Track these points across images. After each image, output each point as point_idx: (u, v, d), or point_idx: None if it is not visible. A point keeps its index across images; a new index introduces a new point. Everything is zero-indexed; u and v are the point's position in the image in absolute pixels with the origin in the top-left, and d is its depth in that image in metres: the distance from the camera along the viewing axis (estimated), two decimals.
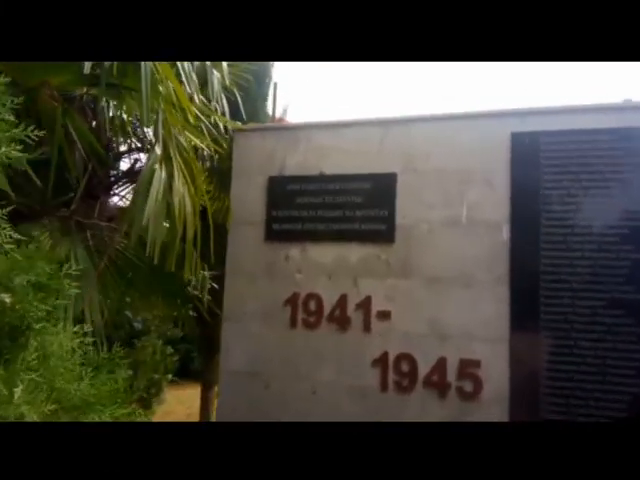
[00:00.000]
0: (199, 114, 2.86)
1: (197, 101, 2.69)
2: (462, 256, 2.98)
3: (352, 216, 3.22)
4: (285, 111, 5.66)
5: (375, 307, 3.08)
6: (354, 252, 3.19)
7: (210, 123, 3.34)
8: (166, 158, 2.07)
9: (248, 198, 3.49)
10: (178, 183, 2.12)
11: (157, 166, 1.99)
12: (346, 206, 3.25)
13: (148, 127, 2.60)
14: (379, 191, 3.19)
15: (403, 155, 3.17)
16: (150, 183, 1.96)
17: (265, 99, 5.95)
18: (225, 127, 3.58)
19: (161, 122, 2.01)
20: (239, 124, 3.66)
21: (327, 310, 3.15)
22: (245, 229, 3.46)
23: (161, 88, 2.01)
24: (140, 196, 1.98)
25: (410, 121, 3.19)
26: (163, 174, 2.01)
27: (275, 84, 5.46)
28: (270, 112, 5.63)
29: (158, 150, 2.02)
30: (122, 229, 2.42)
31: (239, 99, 3.89)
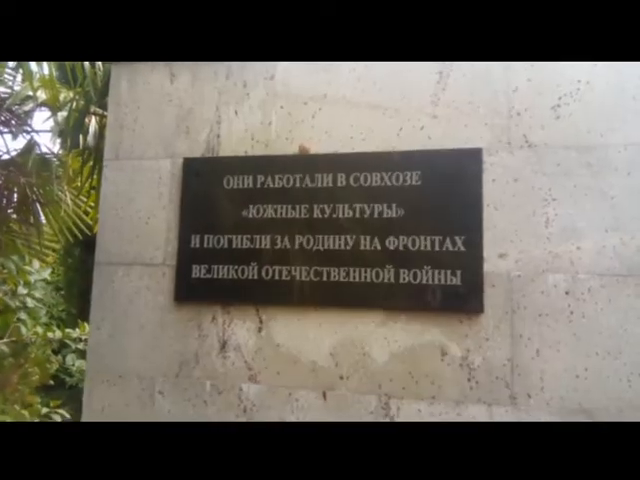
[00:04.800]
0: None
1: None
2: None
3: (376, 250, 1.37)
4: None
5: None
6: (384, 335, 1.34)
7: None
8: None
9: (136, 207, 1.58)
10: None
11: None
12: (362, 226, 1.39)
13: None
14: (441, 191, 1.36)
15: (495, 109, 1.36)
16: None
17: None
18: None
19: None
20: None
21: None
22: (128, 276, 1.54)
23: None
24: None
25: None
26: None
27: None
28: None
29: None
30: None
31: None
